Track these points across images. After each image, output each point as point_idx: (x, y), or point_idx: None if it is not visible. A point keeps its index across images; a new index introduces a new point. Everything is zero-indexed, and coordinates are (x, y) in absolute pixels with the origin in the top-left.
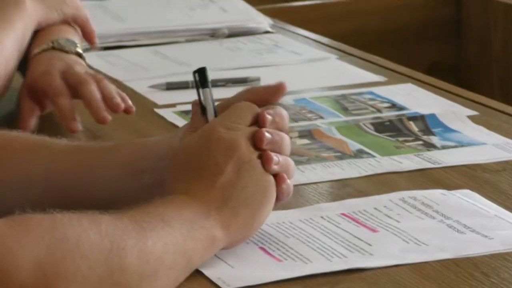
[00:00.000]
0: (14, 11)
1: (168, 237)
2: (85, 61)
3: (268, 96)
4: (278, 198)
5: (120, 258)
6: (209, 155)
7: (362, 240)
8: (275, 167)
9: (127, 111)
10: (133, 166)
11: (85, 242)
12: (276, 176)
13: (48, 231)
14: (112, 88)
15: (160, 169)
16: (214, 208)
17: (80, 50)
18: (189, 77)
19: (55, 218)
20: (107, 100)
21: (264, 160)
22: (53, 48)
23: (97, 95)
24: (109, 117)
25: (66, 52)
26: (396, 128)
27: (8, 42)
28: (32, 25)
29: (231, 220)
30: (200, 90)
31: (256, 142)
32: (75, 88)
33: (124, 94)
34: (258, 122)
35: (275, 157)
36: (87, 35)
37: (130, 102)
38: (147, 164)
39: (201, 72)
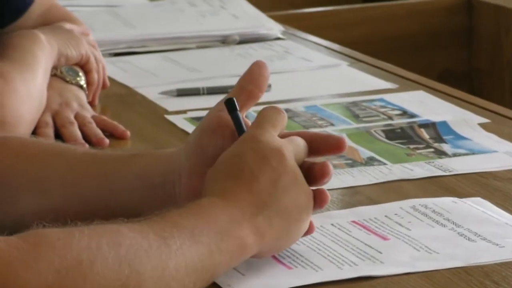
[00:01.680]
0: (36, 48)
1: (193, 255)
2: (85, 93)
3: (258, 74)
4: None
5: (137, 283)
6: (245, 163)
7: (372, 248)
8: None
9: (122, 136)
10: (147, 179)
11: (100, 267)
12: (316, 190)
13: (60, 255)
14: (96, 130)
15: (171, 183)
16: (249, 214)
17: (82, 82)
18: (200, 84)
19: (73, 237)
20: (91, 138)
21: (319, 171)
22: (55, 75)
23: (76, 138)
24: None
25: (67, 82)
26: (407, 136)
27: (39, 78)
28: (52, 59)
29: (266, 228)
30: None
31: (321, 173)
32: (59, 129)
33: (114, 123)
34: (321, 143)
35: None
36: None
37: (120, 128)
38: (159, 178)
39: (230, 101)
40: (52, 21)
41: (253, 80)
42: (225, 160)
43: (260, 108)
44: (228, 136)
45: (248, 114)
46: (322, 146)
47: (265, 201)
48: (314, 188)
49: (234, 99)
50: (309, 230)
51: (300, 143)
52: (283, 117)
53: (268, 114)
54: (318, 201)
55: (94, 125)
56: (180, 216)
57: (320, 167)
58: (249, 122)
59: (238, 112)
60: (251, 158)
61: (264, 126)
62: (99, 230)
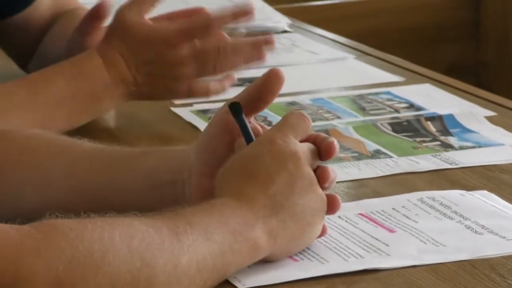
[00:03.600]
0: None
1: (205, 253)
2: None
3: (268, 89)
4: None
5: (149, 276)
6: (262, 164)
7: (379, 241)
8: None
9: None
10: (156, 177)
11: (111, 258)
12: (329, 196)
13: (72, 245)
14: None
15: (181, 182)
16: (263, 216)
17: None
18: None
19: (85, 228)
20: None
21: (321, 175)
22: None
23: None
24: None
25: None
26: (414, 129)
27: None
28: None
29: (279, 231)
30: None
31: (323, 177)
32: None
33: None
34: (322, 147)
35: (332, 173)
36: None
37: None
38: (168, 176)
39: (234, 106)
40: (63, 8)
41: (266, 88)
42: (240, 161)
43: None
44: (237, 136)
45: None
46: (268, 87)
47: (281, 204)
48: (326, 193)
49: (239, 103)
50: (322, 233)
51: (312, 147)
52: (306, 124)
53: (291, 119)
54: (331, 206)
55: None
56: (194, 215)
57: (319, 172)
58: (257, 126)
59: (243, 116)
60: (268, 160)
61: (284, 130)
62: (112, 222)
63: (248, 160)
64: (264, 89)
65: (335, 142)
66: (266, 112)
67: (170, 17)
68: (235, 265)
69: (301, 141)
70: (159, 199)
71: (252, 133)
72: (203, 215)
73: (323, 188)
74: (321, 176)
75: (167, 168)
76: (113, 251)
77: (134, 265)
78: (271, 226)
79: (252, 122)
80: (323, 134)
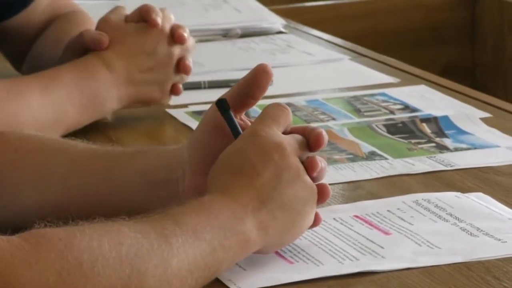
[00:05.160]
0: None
1: (195, 253)
2: None
3: (256, 85)
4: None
5: (139, 282)
6: (247, 158)
7: (374, 243)
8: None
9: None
10: (150, 176)
11: (101, 268)
12: (319, 185)
13: (61, 256)
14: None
15: (175, 181)
16: (252, 209)
17: None
18: (201, 77)
19: (74, 237)
20: None
21: (309, 165)
22: None
23: None
24: None
25: None
26: (409, 130)
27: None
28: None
29: (269, 222)
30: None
31: (310, 167)
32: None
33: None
34: (310, 138)
35: (321, 163)
36: None
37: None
38: (162, 175)
39: (221, 102)
40: (60, 11)
41: (254, 83)
42: (226, 156)
43: (265, 102)
44: (229, 133)
45: (252, 110)
46: (256, 84)
47: (268, 195)
48: (316, 183)
49: (225, 99)
50: (315, 222)
51: (300, 138)
52: (287, 114)
53: (271, 110)
54: (321, 195)
55: None
56: (182, 214)
57: (307, 162)
58: (247, 121)
59: (231, 112)
60: (253, 153)
61: (266, 122)
62: (100, 229)
63: (233, 155)
64: (252, 84)
65: (324, 132)
66: None
67: None
68: (227, 262)
69: (289, 133)
70: (154, 198)
71: (240, 129)
72: (191, 213)
73: (312, 178)
74: (309, 166)
75: (161, 167)
76: (102, 260)
77: (124, 272)
78: (261, 218)
79: (244, 119)
80: (311, 126)
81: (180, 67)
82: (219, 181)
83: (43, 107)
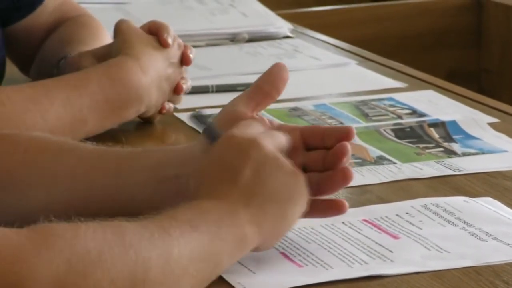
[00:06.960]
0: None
1: (194, 242)
2: None
3: (280, 77)
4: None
5: (144, 270)
6: (226, 160)
7: (383, 247)
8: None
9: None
10: (159, 172)
11: (108, 255)
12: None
13: (70, 244)
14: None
15: (186, 176)
16: (241, 207)
17: None
18: (209, 81)
19: (79, 229)
20: None
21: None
22: None
23: None
24: None
25: None
26: (417, 135)
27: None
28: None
29: (260, 216)
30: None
31: (338, 154)
32: None
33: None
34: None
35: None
36: None
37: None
38: (173, 170)
39: (210, 130)
40: (67, 14)
41: (271, 80)
42: (206, 165)
43: (274, 106)
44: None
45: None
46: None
47: (252, 190)
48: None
49: (215, 126)
50: (311, 211)
51: (279, 134)
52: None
53: (244, 123)
54: (342, 177)
55: None
56: (176, 211)
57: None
58: (265, 119)
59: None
60: (229, 155)
61: (235, 126)
62: (101, 223)
63: (213, 162)
64: (273, 77)
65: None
66: (269, 118)
67: None
68: (226, 255)
69: (282, 128)
70: (164, 194)
71: None
72: (185, 211)
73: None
74: (339, 152)
75: (171, 163)
76: (108, 248)
77: (130, 259)
78: (251, 214)
79: (261, 117)
80: (328, 128)
81: (177, 87)
82: (204, 187)
83: (60, 120)
